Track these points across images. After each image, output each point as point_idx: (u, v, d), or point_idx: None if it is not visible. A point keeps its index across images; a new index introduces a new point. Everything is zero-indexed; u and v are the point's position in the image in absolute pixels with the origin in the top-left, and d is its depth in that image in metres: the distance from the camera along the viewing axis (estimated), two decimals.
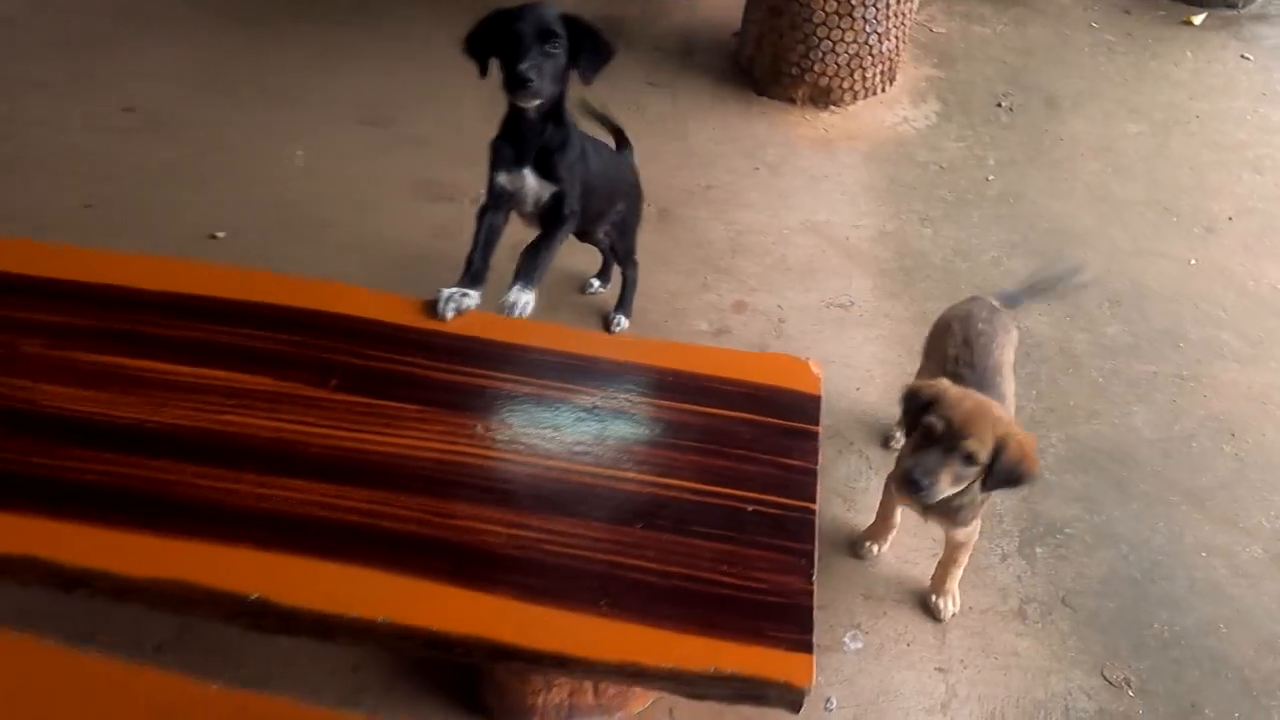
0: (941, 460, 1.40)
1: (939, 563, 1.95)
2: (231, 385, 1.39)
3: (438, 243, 2.84)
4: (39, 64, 3.60)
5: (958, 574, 1.93)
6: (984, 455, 1.40)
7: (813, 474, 1.29)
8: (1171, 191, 3.38)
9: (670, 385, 1.39)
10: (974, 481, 1.49)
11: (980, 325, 1.88)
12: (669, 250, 2.89)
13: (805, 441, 1.33)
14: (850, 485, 2.24)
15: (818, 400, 1.39)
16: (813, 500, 1.25)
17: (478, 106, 2.19)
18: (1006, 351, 1.91)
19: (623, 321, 2.58)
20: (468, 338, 1.49)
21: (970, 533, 1.82)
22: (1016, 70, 4.03)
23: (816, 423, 1.35)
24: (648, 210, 2.78)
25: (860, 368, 2.56)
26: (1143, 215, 3.25)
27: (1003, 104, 3.77)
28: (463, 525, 1.20)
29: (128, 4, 4.03)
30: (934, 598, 1.95)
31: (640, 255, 2.58)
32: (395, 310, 1.52)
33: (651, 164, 2.84)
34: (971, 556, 1.94)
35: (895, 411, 2.03)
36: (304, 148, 3.24)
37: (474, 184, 2.79)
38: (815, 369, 1.44)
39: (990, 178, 3.35)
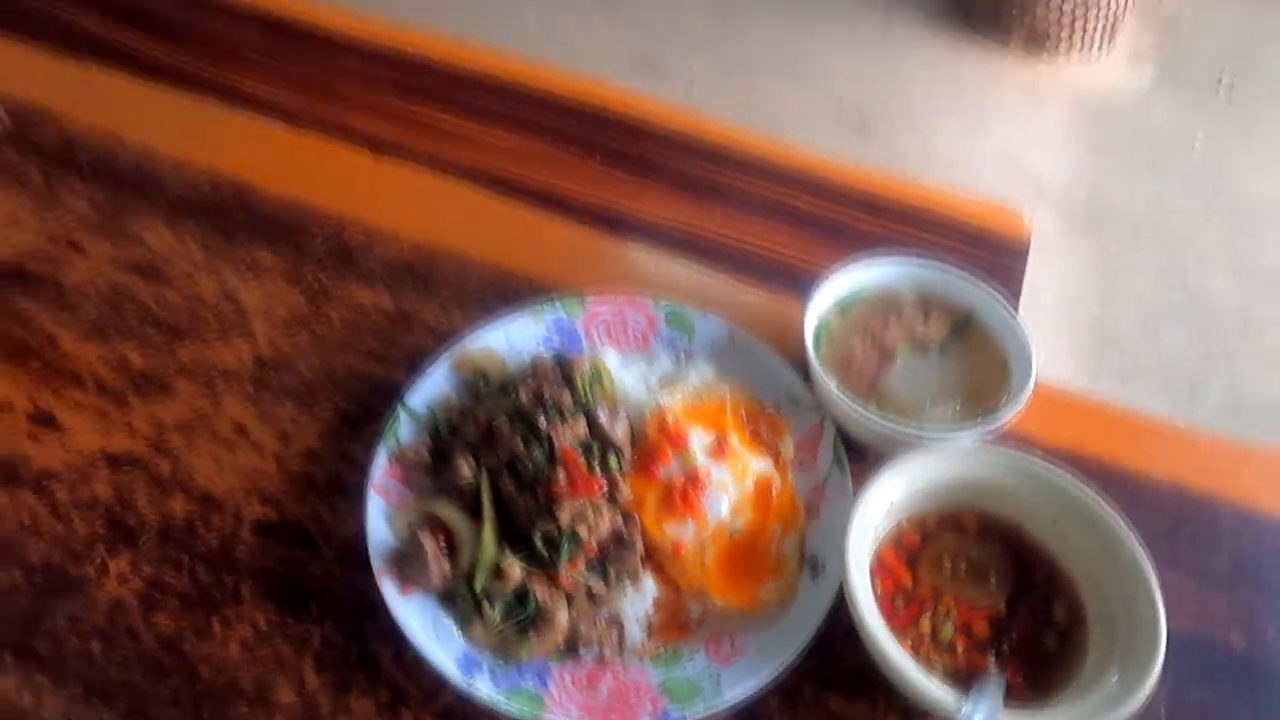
0: None
1: None
2: (509, 146, 1.64)
3: None
4: None
5: None
6: None
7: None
8: None
9: (883, 208, 1.54)
10: None
11: None
12: (861, 155, 3.01)
13: (1011, 274, 1.47)
14: None
15: (1026, 247, 1.52)
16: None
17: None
18: None
19: None
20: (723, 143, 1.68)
21: None
22: (1245, 52, 3.89)
23: (1023, 265, 1.49)
24: (845, 120, 2.87)
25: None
26: None
27: (1223, 81, 3.67)
28: None
29: None
30: None
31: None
32: (649, 108, 1.72)
33: (855, 80, 2.93)
34: None
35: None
36: (537, 12, 3.48)
37: (687, 64, 2.97)
38: (1027, 220, 1.56)
39: (1196, 146, 3.30)
